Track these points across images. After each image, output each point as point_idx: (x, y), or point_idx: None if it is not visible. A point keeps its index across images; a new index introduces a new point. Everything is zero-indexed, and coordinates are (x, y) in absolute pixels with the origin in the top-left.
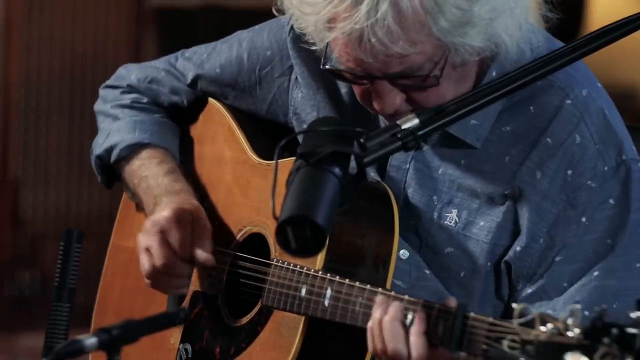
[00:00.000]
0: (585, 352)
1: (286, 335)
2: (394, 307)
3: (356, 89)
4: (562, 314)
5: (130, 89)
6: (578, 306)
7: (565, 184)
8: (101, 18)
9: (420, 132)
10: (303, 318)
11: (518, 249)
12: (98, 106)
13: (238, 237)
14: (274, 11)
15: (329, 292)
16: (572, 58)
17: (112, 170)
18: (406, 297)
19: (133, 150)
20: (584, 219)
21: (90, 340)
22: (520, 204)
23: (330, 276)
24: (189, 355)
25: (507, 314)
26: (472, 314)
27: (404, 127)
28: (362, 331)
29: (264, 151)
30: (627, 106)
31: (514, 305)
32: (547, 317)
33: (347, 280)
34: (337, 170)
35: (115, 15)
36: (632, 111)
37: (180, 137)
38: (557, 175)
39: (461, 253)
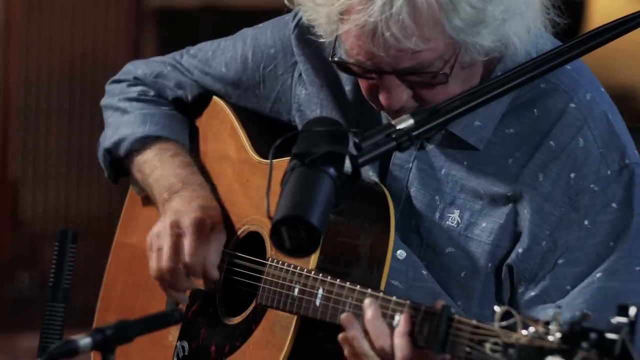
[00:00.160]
0: (564, 356)
1: (279, 334)
2: (374, 307)
3: (363, 83)
4: (543, 317)
5: (136, 81)
6: (559, 310)
7: (568, 187)
8: (101, 18)
9: (415, 133)
10: (295, 317)
11: (520, 250)
12: (105, 101)
13: (237, 235)
14: (286, 1)
15: (320, 292)
16: (570, 57)
17: (119, 165)
18: (394, 298)
19: (144, 143)
20: (586, 222)
21: (85, 341)
22: (522, 205)
23: (322, 276)
24: (186, 353)
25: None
26: (456, 316)
27: (398, 127)
28: None
29: (265, 150)
30: (626, 107)
31: (496, 307)
32: (529, 320)
33: (338, 281)
34: (331, 170)
35: (115, 15)
36: (632, 112)
37: None
38: (560, 178)
39: (462, 254)
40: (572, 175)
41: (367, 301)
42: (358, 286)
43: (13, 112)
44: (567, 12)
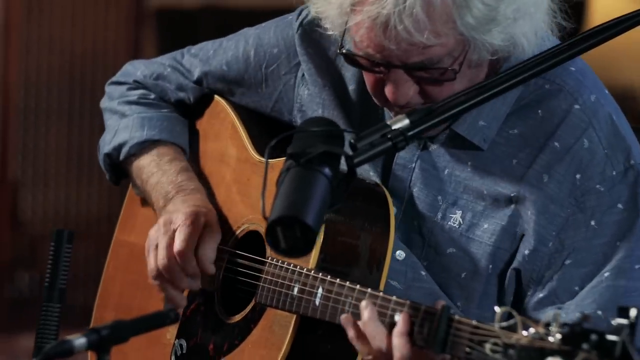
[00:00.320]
0: (565, 357)
1: (278, 333)
2: (370, 308)
3: (368, 77)
4: (543, 318)
5: (137, 84)
6: (560, 311)
7: (574, 187)
8: (101, 18)
9: (411, 133)
10: (294, 316)
11: (526, 252)
12: (104, 103)
13: (236, 234)
14: None
15: (320, 291)
16: (569, 55)
17: (120, 168)
18: (394, 298)
19: (143, 147)
20: (593, 223)
21: (80, 341)
22: (526, 207)
23: (322, 275)
24: (184, 351)
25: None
26: (456, 317)
27: (394, 127)
28: None
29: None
30: (626, 107)
31: (496, 308)
32: (529, 321)
33: (337, 280)
34: (327, 170)
35: (115, 15)
36: (632, 112)
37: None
38: (565, 179)
39: (463, 254)
40: (578, 176)
41: (363, 303)
42: (358, 286)
43: (13, 112)
44: (567, 12)
